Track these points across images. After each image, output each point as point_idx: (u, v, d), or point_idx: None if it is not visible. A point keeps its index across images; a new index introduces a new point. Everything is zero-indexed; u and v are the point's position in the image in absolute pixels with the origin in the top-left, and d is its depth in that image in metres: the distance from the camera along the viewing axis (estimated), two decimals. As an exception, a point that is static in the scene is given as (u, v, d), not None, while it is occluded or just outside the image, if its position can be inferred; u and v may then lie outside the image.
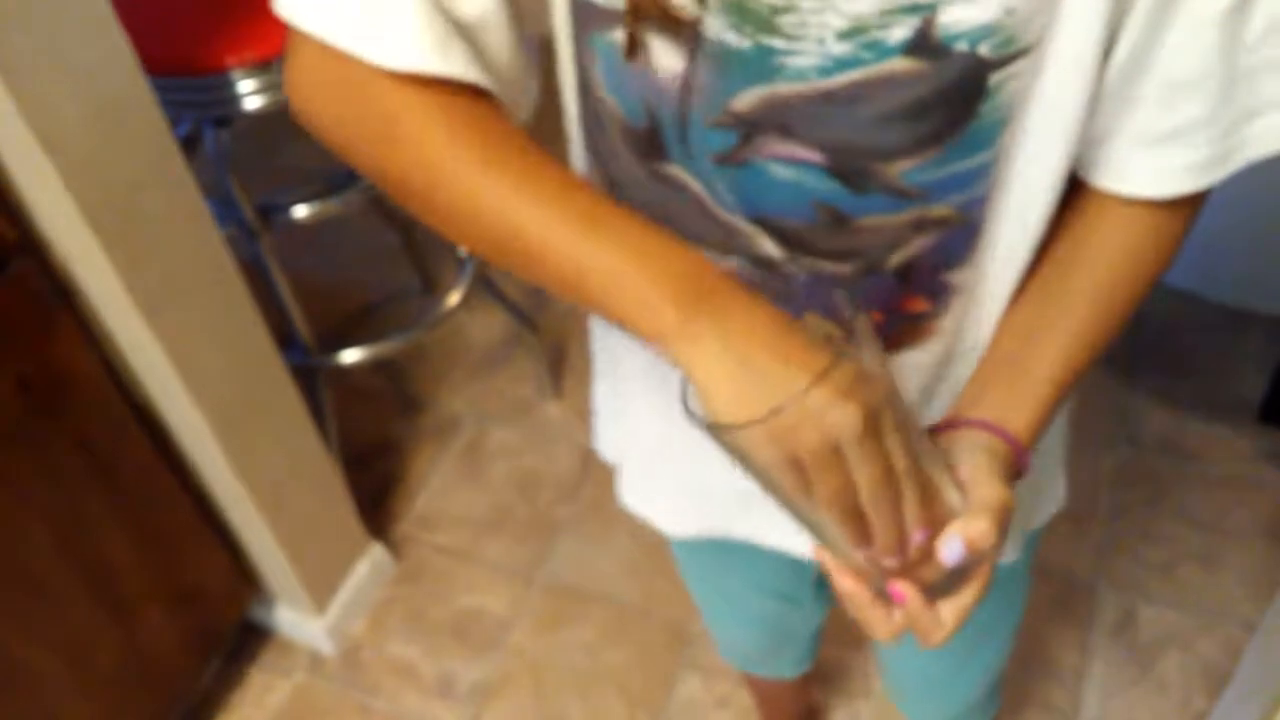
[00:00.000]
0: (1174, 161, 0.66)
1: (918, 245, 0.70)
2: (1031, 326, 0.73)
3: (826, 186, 0.67)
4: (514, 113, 0.70)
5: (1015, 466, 0.68)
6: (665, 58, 0.64)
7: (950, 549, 0.61)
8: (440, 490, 2.08)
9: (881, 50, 0.60)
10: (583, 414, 2.12)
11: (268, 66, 1.55)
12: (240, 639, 1.87)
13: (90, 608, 1.51)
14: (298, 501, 1.70)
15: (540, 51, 0.72)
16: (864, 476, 0.56)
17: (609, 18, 0.64)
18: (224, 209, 1.66)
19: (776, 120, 0.64)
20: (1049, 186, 0.68)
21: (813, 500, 0.58)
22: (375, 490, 2.07)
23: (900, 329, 0.76)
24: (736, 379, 0.56)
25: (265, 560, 1.73)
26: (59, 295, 1.34)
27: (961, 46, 0.60)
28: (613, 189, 0.75)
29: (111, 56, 1.22)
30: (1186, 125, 0.64)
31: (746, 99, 0.64)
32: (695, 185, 0.70)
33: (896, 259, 0.71)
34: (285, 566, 1.72)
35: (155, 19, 1.57)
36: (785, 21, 0.60)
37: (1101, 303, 0.72)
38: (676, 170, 0.70)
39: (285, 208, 1.72)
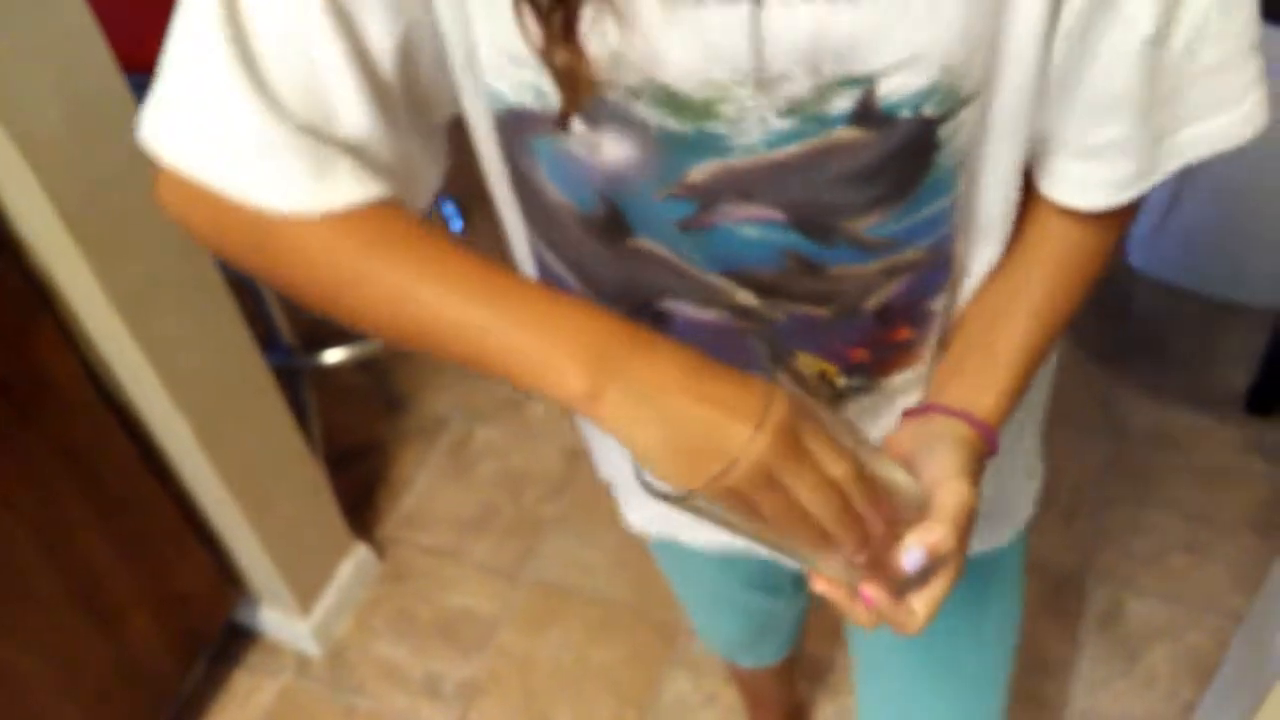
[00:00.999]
0: (1099, 176, 0.67)
1: (892, 289, 0.71)
2: (994, 314, 0.73)
3: (793, 240, 0.67)
4: (412, 200, 0.68)
5: (984, 449, 0.69)
6: (613, 146, 0.63)
7: (910, 558, 0.61)
8: (426, 490, 2.07)
9: (825, 121, 0.60)
10: (568, 412, 2.11)
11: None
12: (225, 641, 1.86)
13: (75, 611, 1.50)
14: (281, 503, 1.69)
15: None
16: (801, 494, 0.56)
17: (547, 122, 0.63)
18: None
19: (734, 187, 0.64)
20: (1011, 201, 0.69)
21: (764, 524, 0.58)
22: (360, 491, 2.06)
23: (888, 358, 0.76)
24: (662, 436, 0.55)
25: (249, 562, 1.72)
26: (37, 297, 1.33)
27: (905, 113, 0.60)
28: (574, 269, 0.74)
29: (87, 55, 1.22)
30: (1110, 143, 0.65)
31: (700, 172, 0.63)
32: (662, 250, 0.69)
33: (873, 302, 0.71)
34: (269, 568, 1.70)
35: (132, 16, 1.56)
36: (722, 109, 0.60)
37: (1058, 292, 0.73)
38: (641, 242, 0.69)
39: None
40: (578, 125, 0.62)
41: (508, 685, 1.80)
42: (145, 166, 0.64)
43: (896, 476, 0.63)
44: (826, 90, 0.58)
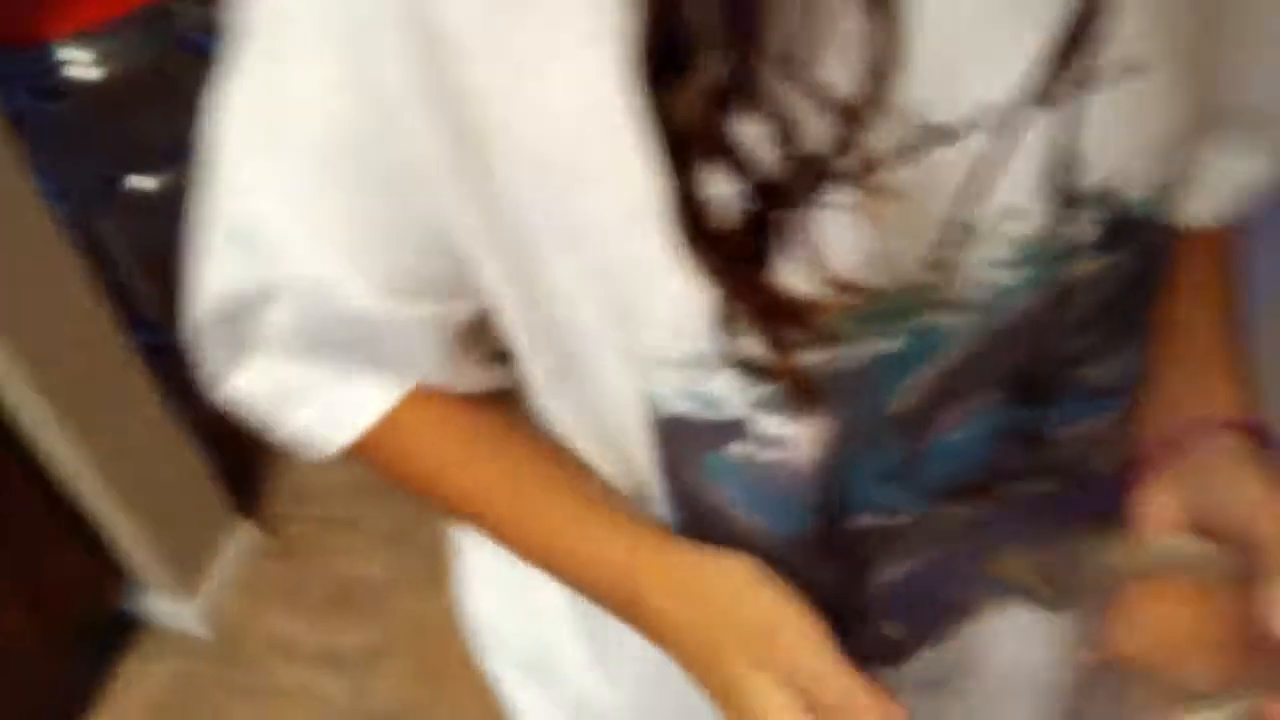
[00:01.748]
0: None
1: (1122, 436, 0.58)
2: (1179, 330, 0.60)
3: (1010, 418, 0.52)
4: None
5: (1265, 449, 0.54)
6: (818, 424, 0.48)
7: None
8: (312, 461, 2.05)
9: (1069, 255, 0.46)
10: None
11: (98, 38, 1.49)
12: (111, 629, 1.82)
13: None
14: (156, 484, 1.66)
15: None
16: None
17: (729, 432, 0.49)
18: (61, 184, 1.60)
19: (947, 390, 0.50)
20: None
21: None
22: (246, 466, 2.03)
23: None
24: None
25: (127, 547, 1.69)
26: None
27: (1156, 215, 0.48)
28: None
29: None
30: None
31: (906, 397, 0.49)
32: (870, 521, 0.54)
33: (1105, 458, 0.58)
34: (149, 551, 1.67)
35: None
36: (942, 287, 0.45)
37: (1229, 282, 0.61)
38: (850, 526, 0.54)
39: (124, 180, 1.67)
40: (768, 424, 0.48)
41: (406, 650, 1.79)
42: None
43: (1180, 548, 0.51)
44: (1072, 212, 0.45)
